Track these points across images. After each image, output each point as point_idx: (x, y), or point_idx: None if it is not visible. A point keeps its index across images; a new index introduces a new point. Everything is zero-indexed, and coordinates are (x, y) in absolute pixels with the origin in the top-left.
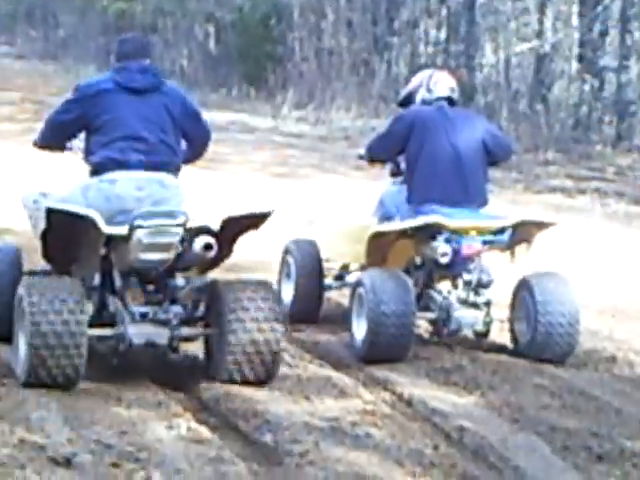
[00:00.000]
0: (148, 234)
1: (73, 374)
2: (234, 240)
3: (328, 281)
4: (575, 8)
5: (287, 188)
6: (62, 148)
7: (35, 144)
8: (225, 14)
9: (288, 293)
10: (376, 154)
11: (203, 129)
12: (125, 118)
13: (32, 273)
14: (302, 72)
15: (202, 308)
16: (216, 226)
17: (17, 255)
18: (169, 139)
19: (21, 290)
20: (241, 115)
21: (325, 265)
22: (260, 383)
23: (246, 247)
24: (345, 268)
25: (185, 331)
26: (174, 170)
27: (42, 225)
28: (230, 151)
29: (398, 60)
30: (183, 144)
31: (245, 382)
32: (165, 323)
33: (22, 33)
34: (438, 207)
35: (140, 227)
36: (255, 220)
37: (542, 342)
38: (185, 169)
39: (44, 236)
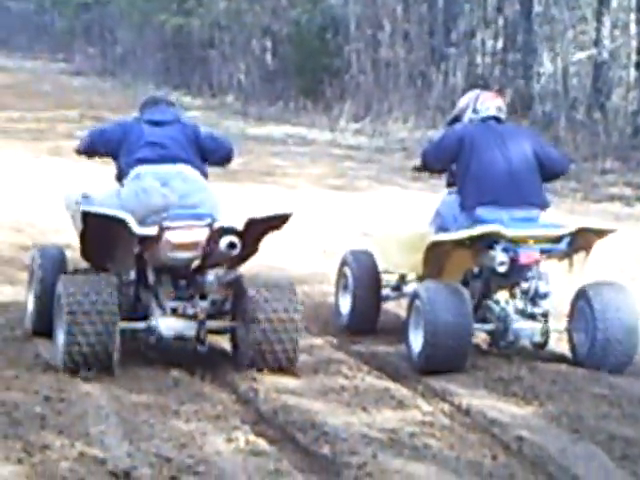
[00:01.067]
0: (176, 235)
1: (106, 361)
2: (259, 240)
3: (385, 292)
4: (633, 15)
5: (344, 200)
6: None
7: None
8: (282, 27)
9: (346, 305)
10: (430, 163)
11: (221, 143)
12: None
13: (75, 272)
14: (359, 84)
15: (229, 303)
16: (240, 226)
17: (62, 256)
18: (188, 152)
19: (59, 286)
20: (298, 128)
21: (383, 276)
22: (281, 370)
23: (303, 258)
24: (402, 279)
25: (212, 324)
26: (200, 169)
27: (80, 226)
28: (287, 164)
29: (455, 71)
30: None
31: (269, 369)
32: (194, 317)
33: (80, 50)
34: (492, 209)
35: (169, 228)
36: (277, 222)
37: (601, 352)
38: (242, 182)
39: (82, 236)
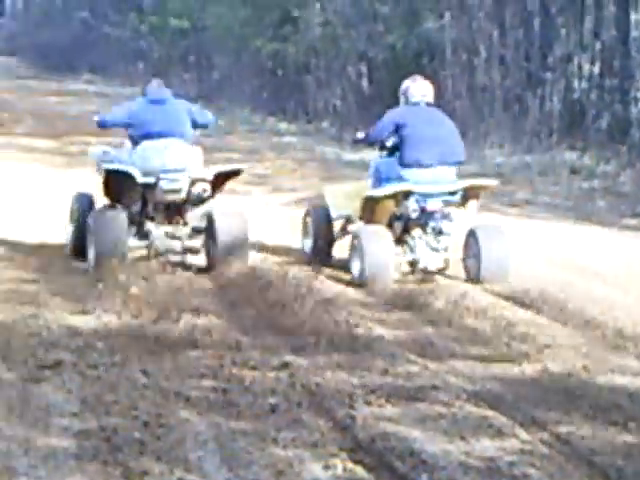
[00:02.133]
0: (167, 183)
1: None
2: (222, 185)
3: (336, 233)
4: None
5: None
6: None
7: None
8: (378, 53)
9: (308, 243)
10: (373, 137)
11: (205, 115)
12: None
13: (100, 209)
14: (455, 109)
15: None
16: (210, 177)
17: (91, 199)
18: (182, 124)
19: (89, 218)
20: None
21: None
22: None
23: None
24: (347, 221)
25: (190, 243)
26: (189, 140)
27: (103, 175)
28: None
29: (551, 96)
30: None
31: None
32: (179, 238)
33: (177, 76)
34: (415, 170)
35: (162, 179)
36: (233, 174)
37: (484, 272)
38: None
39: (104, 182)
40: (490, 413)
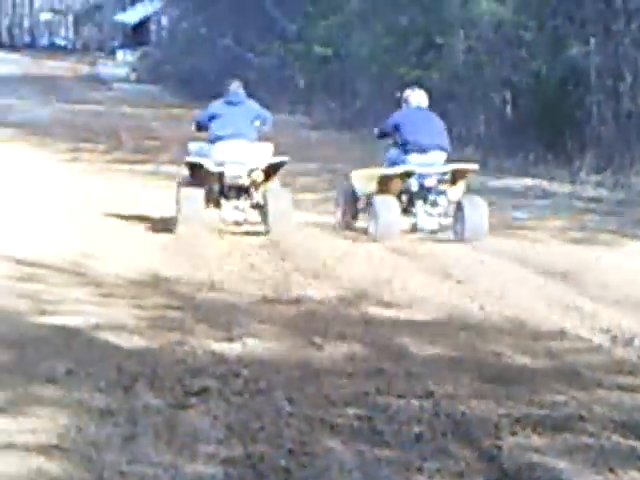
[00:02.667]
0: (230, 171)
1: (199, 230)
2: (274, 173)
3: (359, 205)
4: None
5: (583, 254)
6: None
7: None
8: (521, 79)
9: (338, 214)
10: (382, 133)
11: (268, 117)
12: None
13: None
14: (600, 135)
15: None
16: (263, 167)
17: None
18: (248, 127)
19: (179, 193)
20: (538, 180)
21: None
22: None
23: None
24: (368, 197)
25: (252, 214)
26: (252, 139)
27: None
28: (527, 216)
29: None
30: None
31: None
32: (243, 210)
33: (320, 103)
34: (415, 155)
35: (227, 169)
36: (280, 165)
37: (467, 233)
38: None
39: (190, 170)
40: (639, 445)
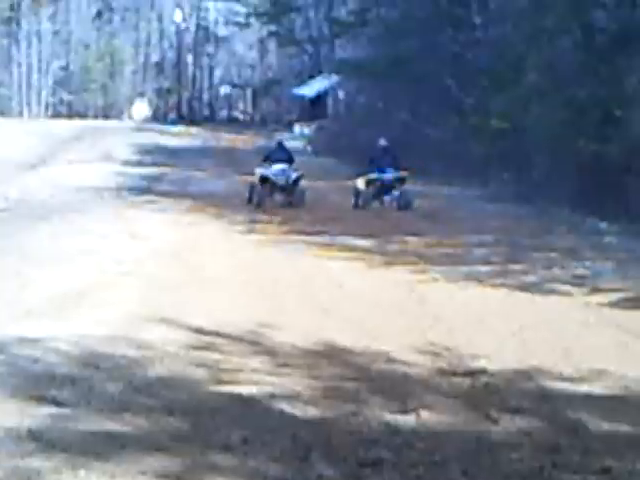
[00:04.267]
0: (276, 178)
1: (263, 205)
2: (299, 181)
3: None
4: None
5: None
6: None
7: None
8: None
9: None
10: (369, 165)
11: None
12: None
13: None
14: None
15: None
16: (293, 178)
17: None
18: (289, 157)
19: (253, 188)
20: None
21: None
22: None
23: None
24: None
25: (288, 199)
26: (290, 164)
27: (258, 176)
28: None
29: None
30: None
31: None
32: (283, 197)
33: (495, 176)
34: (379, 170)
35: (275, 177)
36: (301, 176)
37: (401, 206)
38: None
39: (260, 179)
40: None
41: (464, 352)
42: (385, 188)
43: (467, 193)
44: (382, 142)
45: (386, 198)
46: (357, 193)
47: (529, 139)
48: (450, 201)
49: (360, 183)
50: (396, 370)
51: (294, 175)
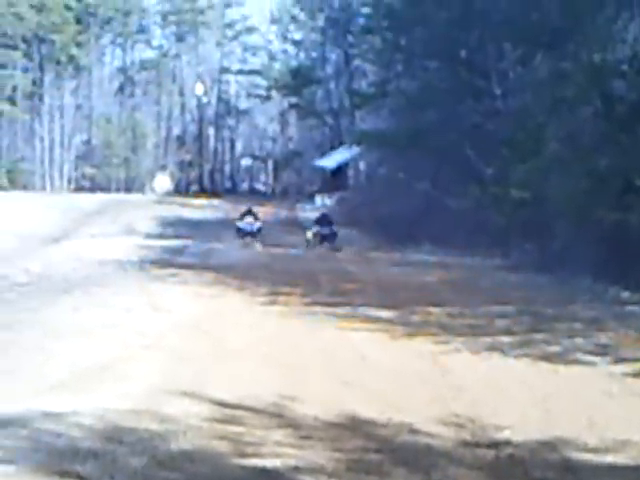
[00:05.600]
0: (245, 227)
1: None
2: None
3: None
4: None
5: None
6: None
7: None
8: None
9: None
10: (308, 228)
11: None
12: None
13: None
14: None
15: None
16: (257, 227)
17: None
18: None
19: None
20: None
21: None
22: None
23: None
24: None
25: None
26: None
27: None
28: None
29: None
30: None
31: None
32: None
33: (516, 246)
34: (318, 226)
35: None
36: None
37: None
38: None
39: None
40: None
41: (487, 423)
42: (322, 238)
43: (488, 263)
44: (324, 212)
45: (325, 244)
46: (307, 240)
47: (550, 209)
48: (471, 271)
49: (309, 234)
50: (419, 442)
51: (257, 225)
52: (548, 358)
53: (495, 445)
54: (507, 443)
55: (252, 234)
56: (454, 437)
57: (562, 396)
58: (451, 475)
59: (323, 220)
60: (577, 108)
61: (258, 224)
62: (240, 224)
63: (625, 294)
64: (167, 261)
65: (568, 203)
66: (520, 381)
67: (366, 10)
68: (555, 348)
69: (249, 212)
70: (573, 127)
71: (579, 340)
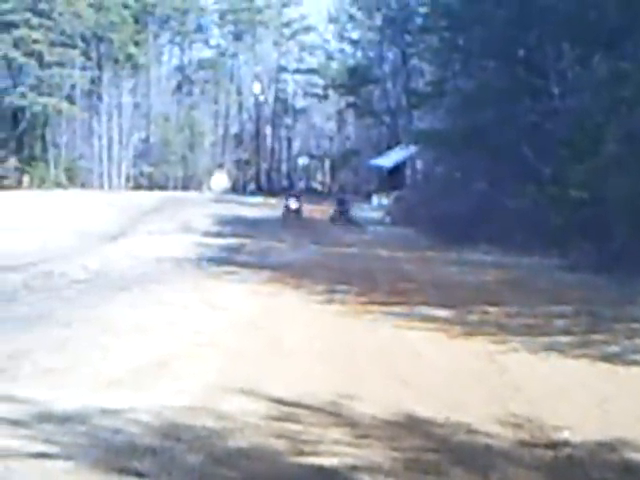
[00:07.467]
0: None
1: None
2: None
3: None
4: None
5: None
6: None
7: None
8: None
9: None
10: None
11: None
12: None
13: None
14: None
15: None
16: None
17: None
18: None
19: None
20: None
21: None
22: None
23: None
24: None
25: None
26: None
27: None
28: None
29: None
30: None
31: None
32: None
33: (574, 246)
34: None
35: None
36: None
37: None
38: None
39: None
40: None
41: (546, 423)
42: (340, 213)
43: (546, 263)
44: (342, 197)
45: (342, 217)
46: (331, 216)
47: (609, 209)
48: (529, 271)
49: (331, 211)
50: (477, 441)
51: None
52: (607, 359)
53: (553, 445)
54: (566, 444)
55: (295, 211)
56: (512, 437)
57: (621, 397)
58: (509, 475)
59: (342, 202)
60: (636, 108)
61: (298, 204)
62: (287, 203)
63: None
64: (224, 259)
65: (627, 203)
66: (579, 381)
67: (424, 9)
68: (614, 348)
69: (294, 195)
70: (632, 127)
71: (638, 341)
